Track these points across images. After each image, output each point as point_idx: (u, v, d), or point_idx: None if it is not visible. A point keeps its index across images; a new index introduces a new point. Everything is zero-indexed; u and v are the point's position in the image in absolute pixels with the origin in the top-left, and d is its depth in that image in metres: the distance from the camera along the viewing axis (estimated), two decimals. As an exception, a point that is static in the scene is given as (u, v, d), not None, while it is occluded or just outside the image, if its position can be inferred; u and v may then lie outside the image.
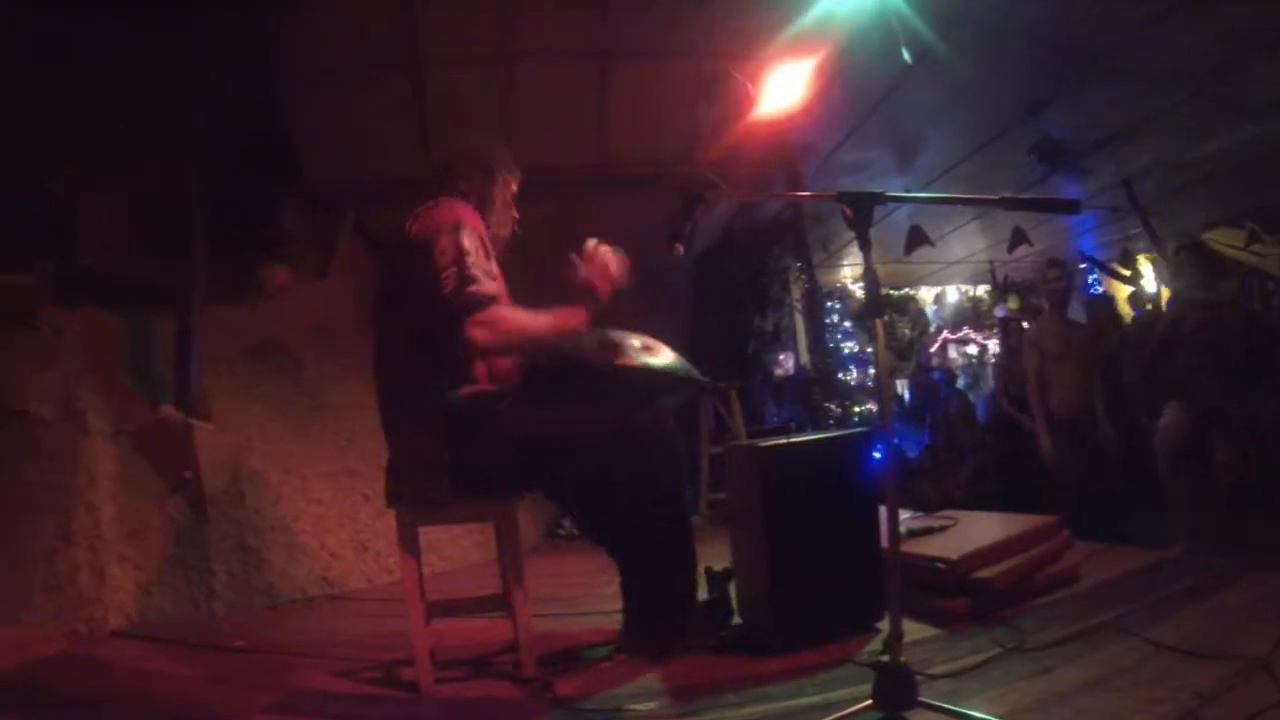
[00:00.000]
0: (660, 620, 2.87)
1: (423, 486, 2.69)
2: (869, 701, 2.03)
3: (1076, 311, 8.24)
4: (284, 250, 5.17)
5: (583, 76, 5.22)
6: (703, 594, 3.09)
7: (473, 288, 2.62)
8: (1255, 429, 5.55)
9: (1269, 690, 2.10)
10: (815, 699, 2.35)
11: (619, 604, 2.96)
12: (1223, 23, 5.44)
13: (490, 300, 2.66)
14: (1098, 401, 5.90)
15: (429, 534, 2.88)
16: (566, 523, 6.23)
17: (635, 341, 2.85)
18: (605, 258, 2.91)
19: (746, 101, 5.16)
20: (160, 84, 4.66)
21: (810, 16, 4.69)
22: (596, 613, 3.40)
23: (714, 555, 3.27)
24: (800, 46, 4.83)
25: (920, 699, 2.02)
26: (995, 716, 2.02)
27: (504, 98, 5.21)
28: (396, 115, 5.21)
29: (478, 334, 2.64)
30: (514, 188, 3.11)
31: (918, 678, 2.08)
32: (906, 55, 5.16)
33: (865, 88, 5.90)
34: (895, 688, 2.02)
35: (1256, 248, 10.07)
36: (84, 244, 4.67)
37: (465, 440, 2.66)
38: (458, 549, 5.27)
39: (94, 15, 4.44)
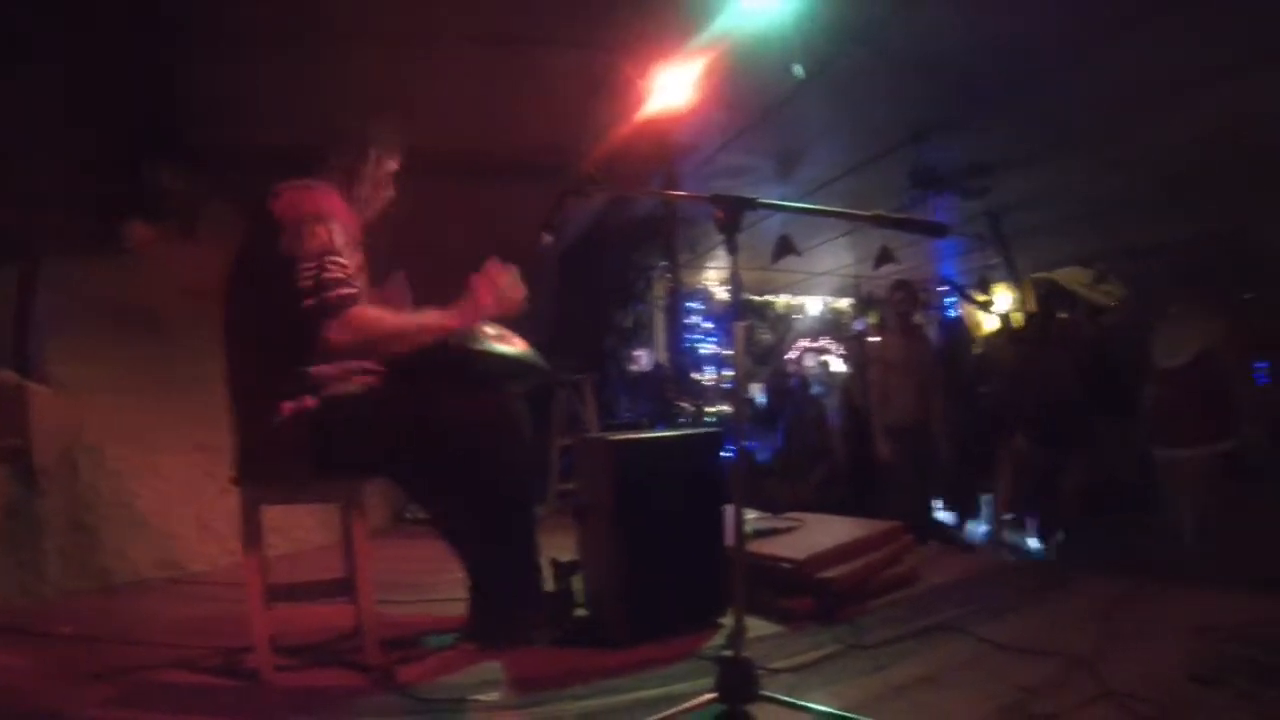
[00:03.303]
0: (504, 609, 2.83)
1: (278, 464, 2.58)
2: (713, 694, 2.06)
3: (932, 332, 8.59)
4: (151, 207, 4.90)
5: (477, 62, 5.10)
6: (548, 585, 3.07)
7: (332, 292, 2.49)
8: (1097, 458, 5.90)
9: (1090, 685, 2.26)
10: (659, 692, 2.37)
11: (466, 591, 2.92)
12: (1111, 79, 5.73)
13: (348, 303, 2.52)
14: (933, 416, 6.18)
15: (273, 514, 2.76)
16: (414, 506, 6.12)
17: (489, 329, 2.82)
18: (504, 282, 2.81)
19: (635, 98, 5.16)
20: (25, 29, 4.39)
21: (711, 20, 4.70)
22: (442, 599, 3.36)
23: (561, 547, 3.26)
24: (696, 48, 4.85)
25: (762, 692, 2.06)
26: (834, 709, 2.08)
27: (397, 76, 5.07)
28: (288, 84, 5.00)
29: (335, 335, 2.48)
30: (390, 166, 3.00)
31: (760, 672, 2.11)
32: (799, 70, 5.24)
33: (754, 96, 5.91)
34: (737, 681, 2.05)
35: (1104, 287, 10.68)
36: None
37: (325, 419, 2.57)
38: (302, 530, 5.09)
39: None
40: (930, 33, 5.10)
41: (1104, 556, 4.46)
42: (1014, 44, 5.24)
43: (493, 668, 2.64)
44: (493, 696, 2.39)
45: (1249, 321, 6.91)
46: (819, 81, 5.47)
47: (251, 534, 2.62)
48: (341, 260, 2.55)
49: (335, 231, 2.59)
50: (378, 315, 2.60)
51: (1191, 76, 5.68)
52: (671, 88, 5.04)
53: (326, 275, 2.49)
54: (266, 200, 2.63)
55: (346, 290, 2.51)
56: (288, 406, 2.56)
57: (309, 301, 2.47)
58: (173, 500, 4.58)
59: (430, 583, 3.76)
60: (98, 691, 2.57)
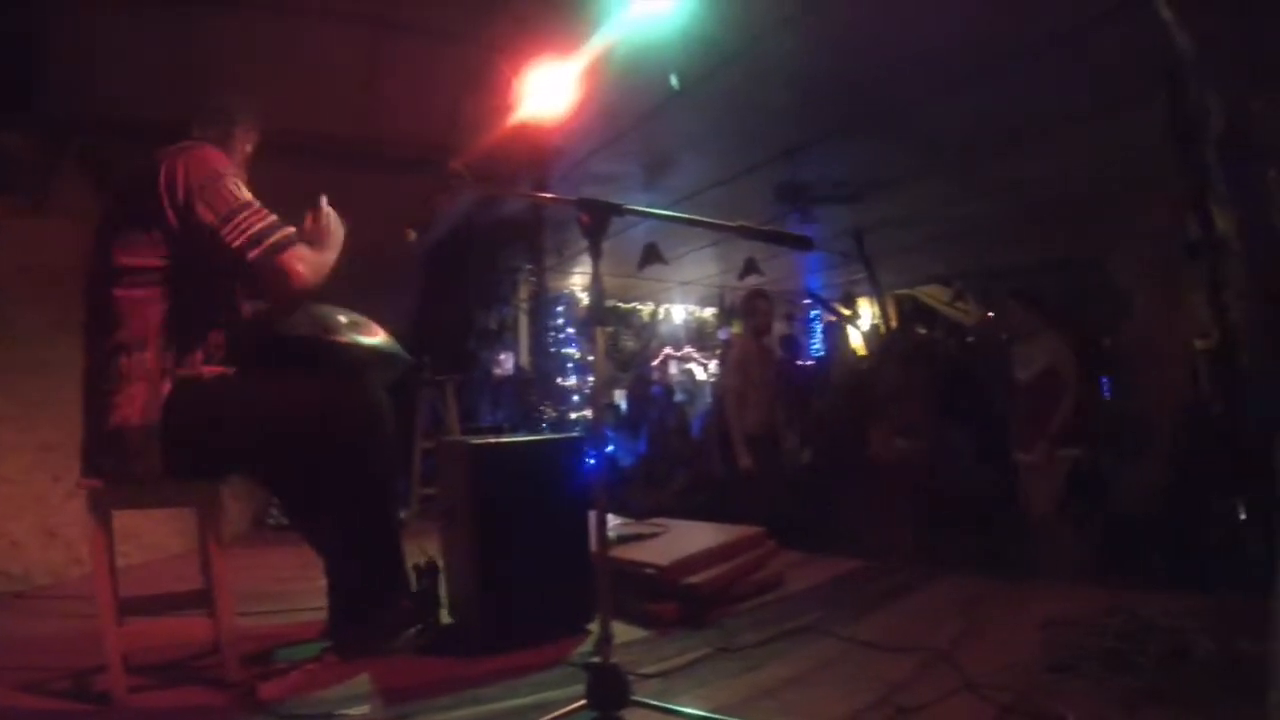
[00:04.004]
0: (367, 617, 2.79)
1: (130, 461, 2.43)
2: (582, 702, 2.06)
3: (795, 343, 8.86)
4: (-7, 175, 4.55)
5: (354, 44, 4.97)
6: (412, 591, 3.02)
7: (277, 234, 2.50)
8: (956, 466, 6.17)
9: (951, 677, 2.38)
10: (529, 700, 2.36)
11: (328, 599, 2.86)
12: (979, 112, 6.04)
13: (295, 240, 2.54)
14: (783, 423, 6.37)
15: (125, 520, 2.63)
16: (276, 510, 5.94)
17: (344, 319, 2.78)
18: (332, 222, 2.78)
19: (510, 97, 5.11)
20: None
21: (592, 25, 4.69)
22: (305, 609, 3.27)
23: (424, 552, 3.20)
24: (575, 51, 4.83)
25: (633, 698, 2.07)
26: (705, 712, 2.11)
27: (271, 51, 4.86)
28: (155, 50, 4.74)
29: (301, 269, 2.51)
30: (248, 148, 2.93)
31: (629, 677, 2.12)
32: (675, 81, 5.28)
33: (628, 103, 5.94)
34: (607, 688, 2.06)
35: (960, 304, 11.34)
36: None
37: (184, 412, 2.46)
38: (157, 537, 4.82)
39: None
40: (806, 53, 5.22)
41: (960, 558, 4.65)
42: (886, 71, 5.44)
43: (359, 680, 2.58)
44: (360, 710, 2.33)
45: (1094, 342, 7.35)
46: (694, 93, 5.55)
47: (100, 541, 2.47)
48: (260, 207, 2.53)
49: (240, 185, 2.56)
50: (312, 251, 2.62)
51: (1052, 117, 6.10)
52: (548, 90, 5.02)
53: (262, 223, 2.49)
54: (153, 167, 2.51)
55: (286, 230, 2.53)
56: (139, 392, 2.44)
57: (254, 252, 2.46)
58: (14, 505, 4.27)
59: (292, 591, 3.66)
60: (-67, 720, 2.41)
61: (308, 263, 2.56)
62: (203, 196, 2.47)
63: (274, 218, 2.54)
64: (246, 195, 2.55)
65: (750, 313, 6.67)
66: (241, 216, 2.48)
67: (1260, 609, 2.00)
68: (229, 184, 2.52)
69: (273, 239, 2.49)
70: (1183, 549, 4.36)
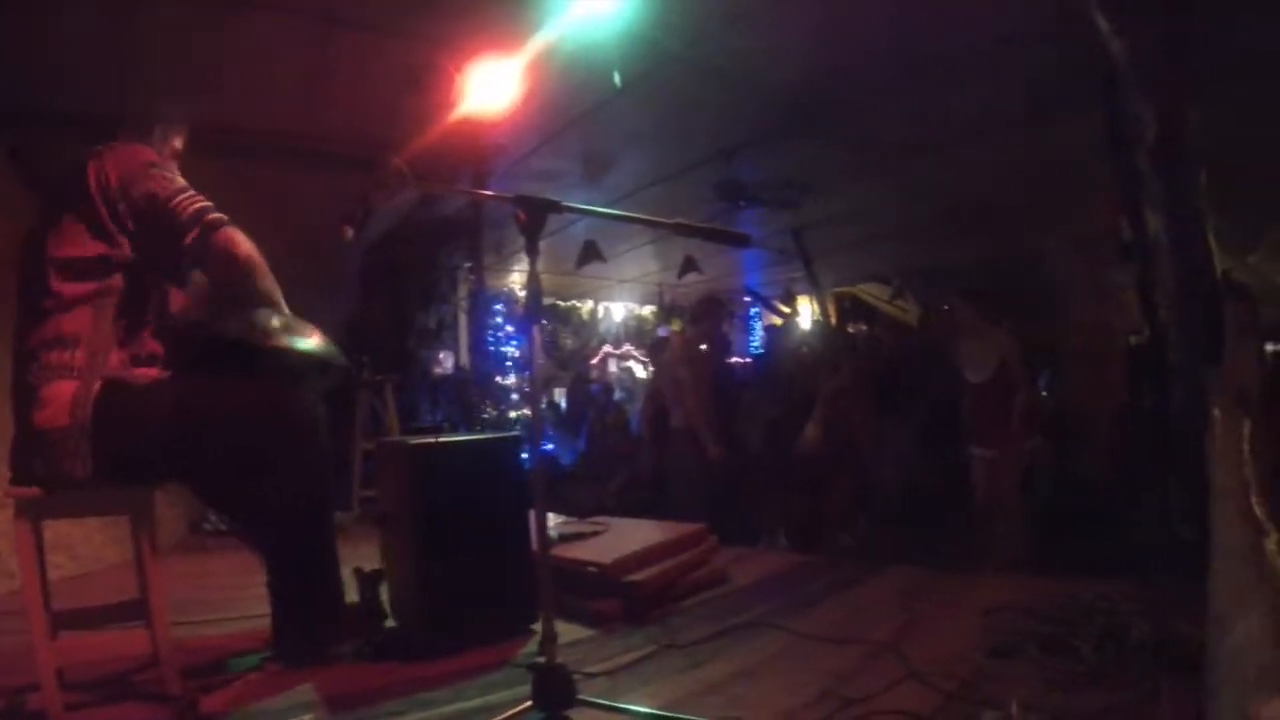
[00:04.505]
0: (310, 624, 2.73)
1: (59, 463, 2.36)
2: (529, 703, 2.05)
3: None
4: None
5: (293, 40, 4.85)
6: (353, 596, 3.00)
7: (213, 213, 2.51)
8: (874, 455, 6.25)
9: (896, 667, 2.42)
10: (476, 702, 2.35)
11: (269, 606, 2.79)
12: (919, 116, 6.16)
13: (227, 220, 2.54)
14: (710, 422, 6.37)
15: (58, 530, 2.55)
16: (213, 516, 5.83)
17: (276, 321, 2.70)
18: None
19: (452, 94, 5.06)
20: None
21: (534, 21, 4.66)
22: (245, 617, 3.21)
23: (364, 556, 3.19)
24: (517, 47, 4.79)
25: (580, 697, 2.07)
26: (652, 709, 2.12)
27: (208, 46, 4.74)
28: (91, 45, 4.60)
29: (239, 239, 2.52)
30: (177, 144, 2.89)
31: (575, 677, 2.13)
32: (618, 80, 5.28)
33: (569, 100, 5.91)
34: (553, 688, 2.06)
35: (899, 302, 11.50)
36: None
37: (112, 414, 2.39)
38: (91, 547, 4.62)
39: None
40: (746, 54, 5.25)
41: (901, 552, 4.73)
42: (828, 73, 5.50)
43: (303, 689, 2.52)
44: (305, 719, 2.30)
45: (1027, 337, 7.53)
46: (635, 91, 5.55)
47: (30, 552, 2.38)
48: (196, 192, 2.54)
49: (175, 173, 2.57)
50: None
51: (989, 122, 6.22)
52: (489, 87, 4.98)
53: (197, 204, 2.50)
54: (86, 165, 2.48)
55: (219, 212, 2.53)
56: (68, 390, 2.38)
57: (194, 226, 2.47)
58: (-64, 516, 4.12)
59: (231, 599, 3.58)
60: None
61: (246, 239, 2.55)
62: (137, 184, 2.46)
63: (210, 202, 2.54)
64: (181, 181, 2.55)
65: (706, 315, 6.63)
66: (183, 196, 2.49)
67: (1194, 593, 2.06)
68: (163, 172, 2.53)
69: (213, 215, 2.50)
70: (1119, 537, 4.47)
